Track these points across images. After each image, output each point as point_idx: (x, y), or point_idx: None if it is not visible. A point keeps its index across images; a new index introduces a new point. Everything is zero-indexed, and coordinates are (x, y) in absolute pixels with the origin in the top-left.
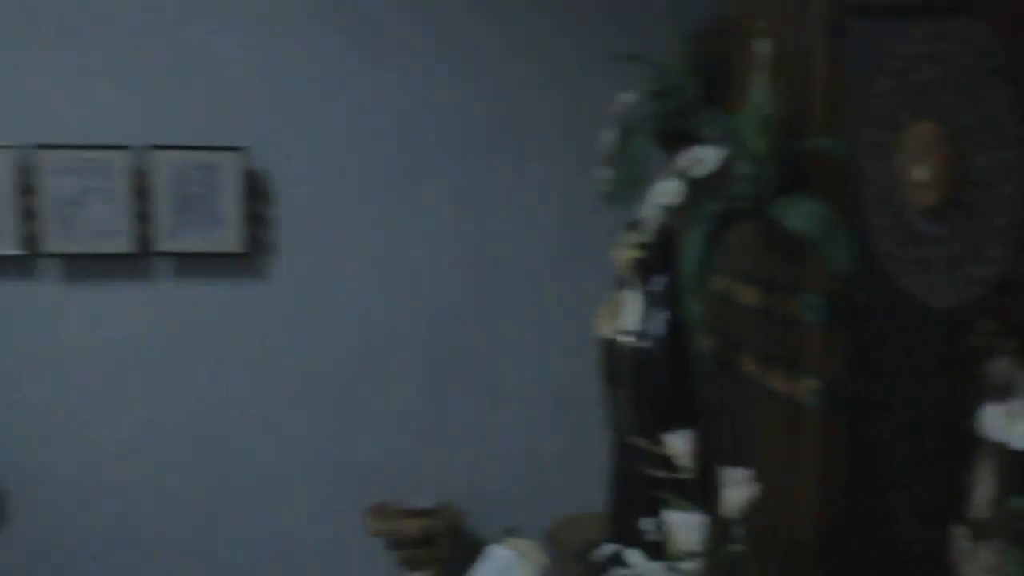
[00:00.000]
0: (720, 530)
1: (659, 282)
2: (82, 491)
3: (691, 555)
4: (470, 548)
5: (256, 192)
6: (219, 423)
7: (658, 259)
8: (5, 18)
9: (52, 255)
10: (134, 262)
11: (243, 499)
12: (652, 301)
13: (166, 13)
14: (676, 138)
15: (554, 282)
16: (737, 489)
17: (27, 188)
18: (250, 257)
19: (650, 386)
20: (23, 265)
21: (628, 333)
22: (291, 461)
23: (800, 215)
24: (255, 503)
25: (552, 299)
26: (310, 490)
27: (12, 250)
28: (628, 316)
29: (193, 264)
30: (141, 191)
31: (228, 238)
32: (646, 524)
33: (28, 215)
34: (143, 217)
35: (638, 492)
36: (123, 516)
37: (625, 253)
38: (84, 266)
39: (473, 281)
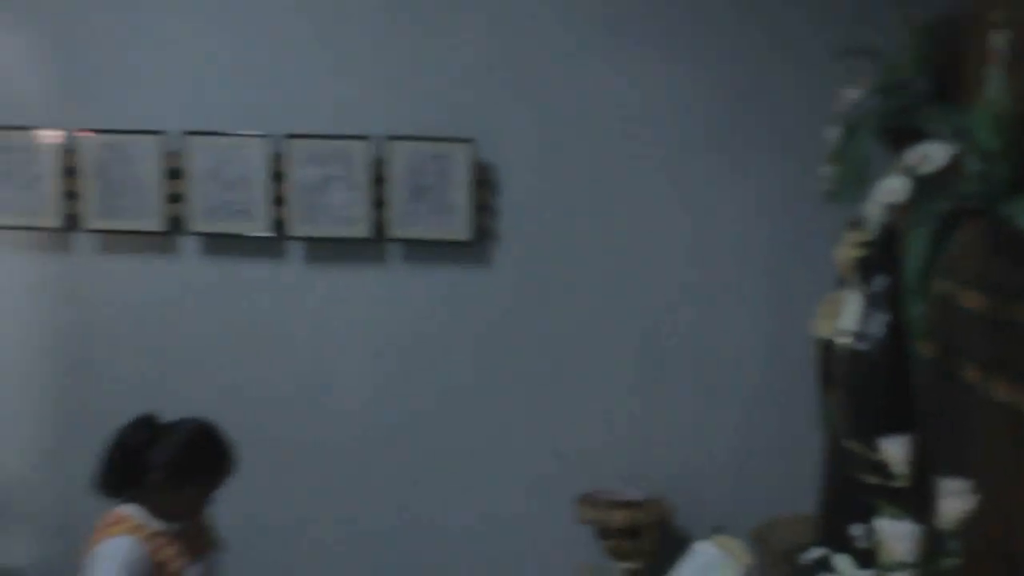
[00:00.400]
0: (934, 542)
1: (880, 282)
2: (315, 460)
3: (902, 566)
4: (676, 543)
5: (483, 182)
6: (440, 404)
7: (880, 259)
8: (264, 21)
9: (297, 238)
10: (369, 247)
11: (456, 480)
12: (872, 302)
13: (404, 12)
14: (902, 135)
15: (773, 280)
16: (954, 500)
17: (277, 175)
18: (476, 245)
19: (867, 389)
20: (273, 246)
21: (846, 334)
22: (507, 446)
23: None
24: (468, 485)
25: (770, 298)
26: (523, 476)
27: (265, 232)
28: (847, 317)
29: (422, 250)
30: (378, 179)
31: (456, 226)
32: (856, 530)
33: (278, 201)
34: (379, 204)
35: (850, 497)
36: (345, 486)
37: (846, 252)
38: (324, 249)
39: (690, 277)
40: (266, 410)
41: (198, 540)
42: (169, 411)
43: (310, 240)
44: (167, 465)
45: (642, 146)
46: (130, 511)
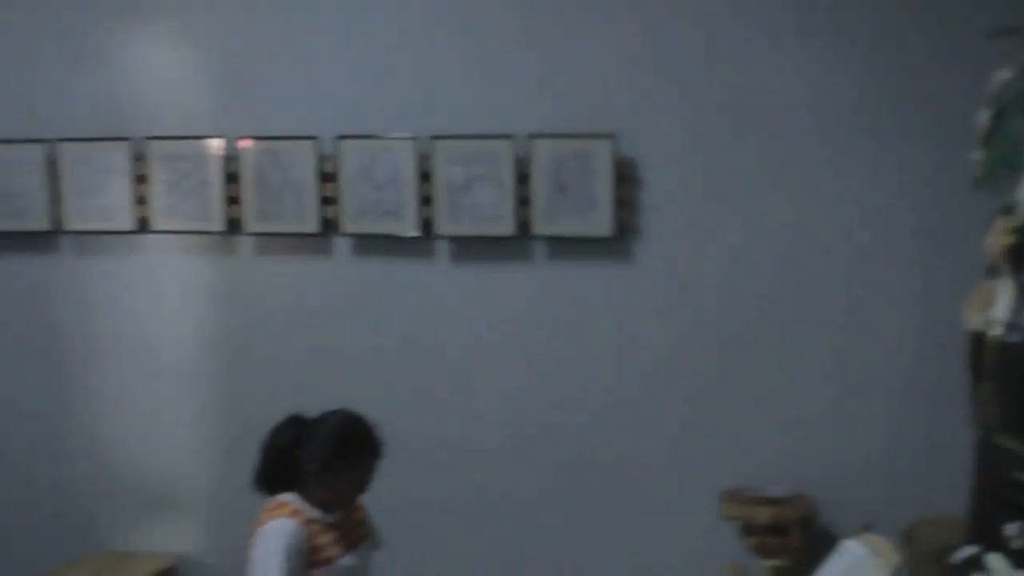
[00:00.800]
0: None
1: None
2: (459, 458)
3: None
4: (822, 541)
5: (625, 178)
6: (584, 401)
7: None
8: (409, 25)
9: (444, 237)
10: (514, 244)
11: (601, 475)
12: None
13: (544, 11)
14: None
15: (920, 270)
16: None
17: (424, 175)
18: (619, 241)
19: (1020, 383)
20: (421, 246)
21: (998, 325)
22: (650, 440)
23: None
24: (612, 482)
25: (918, 289)
26: (666, 471)
27: (413, 232)
28: (998, 307)
29: (566, 247)
30: (521, 177)
31: (599, 222)
32: (1010, 530)
33: (425, 201)
34: (523, 202)
35: (1003, 495)
36: (487, 484)
37: (997, 240)
38: (470, 247)
39: (837, 269)
40: (415, 406)
41: (353, 532)
42: (323, 405)
43: (456, 239)
44: (319, 457)
45: (786, 136)
46: (290, 498)
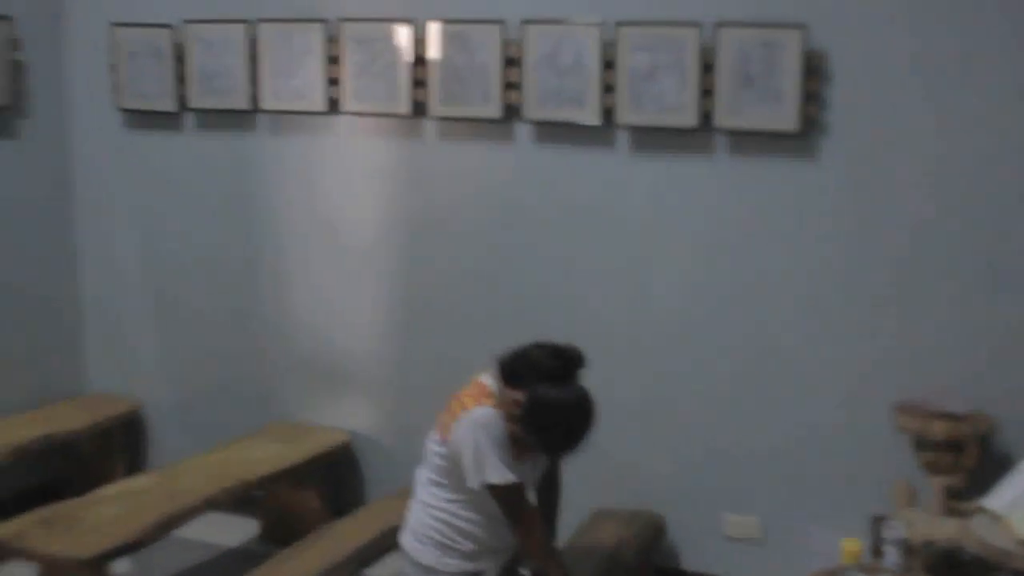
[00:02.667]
0: None
1: None
2: (630, 347)
3: None
4: (999, 462)
5: (813, 71)
6: (757, 301)
7: None
8: None
9: (624, 126)
10: (694, 137)
11: (768, 380)
12: None
13: None
14: None
15: None
16: None
17: (607, 63)
18: (803, 137)
19: None
20: (601, 134)
21: None
22: (824, 347)
23: None
24: (781, 385)
25: None
26: (839, 379)
27: (594, 120)
28: None
29: (748, 141)
30: (706, 67)
31: (784, 116)
32: None
33: (607, 89)
34: (706, 93)
35: None
36: (659, 377)
37: None
38: (650, 138)
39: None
40: (590, 295)
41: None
42: (499, 289)
43: (637, 129)
44: (532, 413)
45: (978, 36)
46: (492, 386)
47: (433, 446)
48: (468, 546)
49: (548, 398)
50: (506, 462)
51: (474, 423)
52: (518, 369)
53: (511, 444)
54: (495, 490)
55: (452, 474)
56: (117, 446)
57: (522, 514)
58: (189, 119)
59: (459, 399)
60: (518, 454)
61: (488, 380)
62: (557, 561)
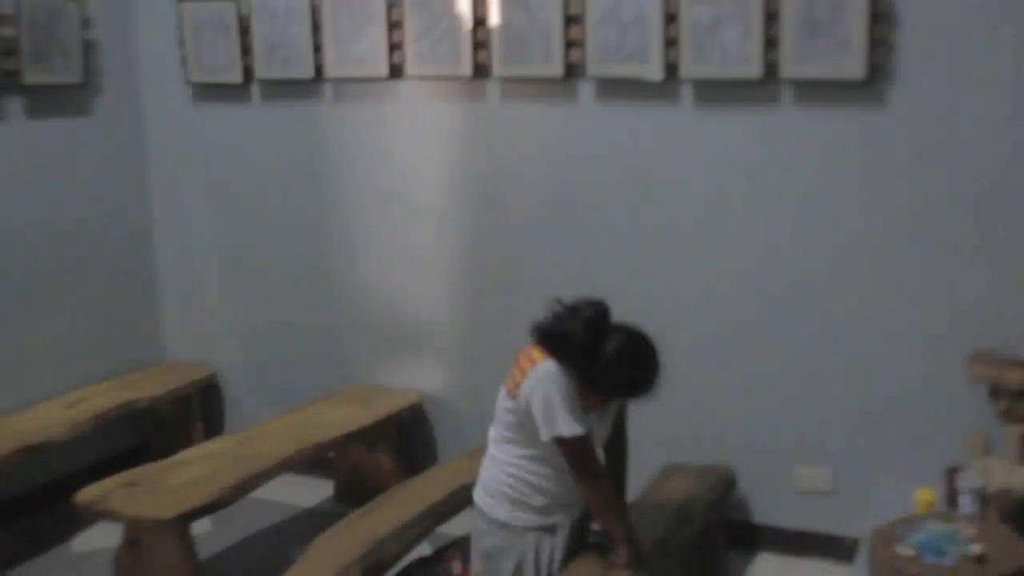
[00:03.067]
0: None
1: None
2: (697, 303)
3: None
4: None
5: (880, 16)
6: (828, 253)
7: None
8: None
9: (688, 80)
10: (759, 88)
11: (840, 332)
12: None
13: None
14: None
15: None
16: None
17: (670, 17)
18: (870, 85)
19: None
20: (665, 90)
21: None
22: (897, 297)
23: None
24: (853, 337)
25: None
26: (913, 328)
27: (656, 76)
28: None
29: (814, 91)
30: (770, 17)
31: (850, 65)
32: None
33: (670, 43)
34: (770, 43)
35: None
36: (727, 329)
37: None
38: (715, 91)
39: None
40: (657, 248)
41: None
42: (565, 250)
43: (701, 82)
44: (596, 376)
45: None
46: None
47: (503, 402)
48: (540, 501)
49: (613, 357)
50: (575, 414)
51: (544, 377)
52: (561, 350)
53: (580, 396)
54: (563, 443)
55: (523, 429)
56: (196, 412)
57: (588, 468)
58: (256, 90)
59: (528, 354)
60: (587, 407)
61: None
62: (621, 519)
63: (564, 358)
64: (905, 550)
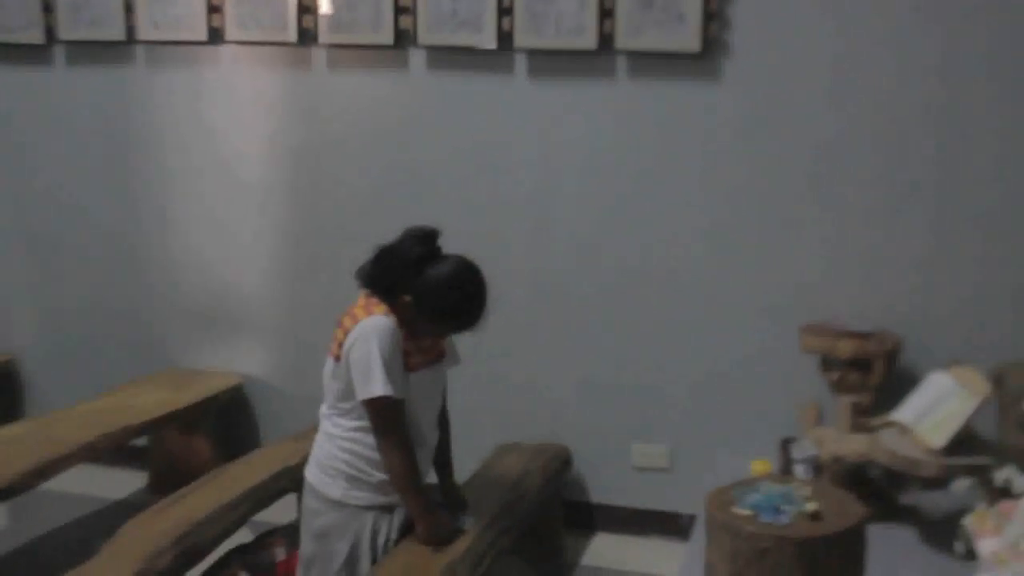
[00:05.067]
0: None
1: None
2: (534, 278)
3: None
4: (904, 378)
5: None
6: (663, 225)
7: None
8: None
9: (522, 50)
10: (594, 60)
11: (675, 307)
12: None
13: None
14: None
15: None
16: None
17: None
18: (705, 58)
19: None
20: (498, 60)
21: None
22: (730, 271)
23: None
24: (688, 311)
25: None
26: (748, 302)
27: (491, 44)
28: None
29: (649, 63)
30: None
31: (685, 37)
32: None
33: (505, 11)
34: (606, 14)
35: None
36: (565, 305)
37: None
38: (549, 62)
39: (936, 97)
40: (490, 223)
41: (434, 346)
42: (394, 227)
43: (535, 52)
44: (421, 293)
45: None
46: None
47: (329, 371)
48: (378, 477)
49: (438, 279)
50: (392, 375)
51: (366, 332)
52: (391, 274)
53: (407, 353)
54: (372, 403)
55: (352, 396)
56: None
57: (393, 433)
58: (59, 52)
59: (351, 314)
60: (415, 362)
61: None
62: (417, 493)
63: (392, 285)
64: (742, 510)
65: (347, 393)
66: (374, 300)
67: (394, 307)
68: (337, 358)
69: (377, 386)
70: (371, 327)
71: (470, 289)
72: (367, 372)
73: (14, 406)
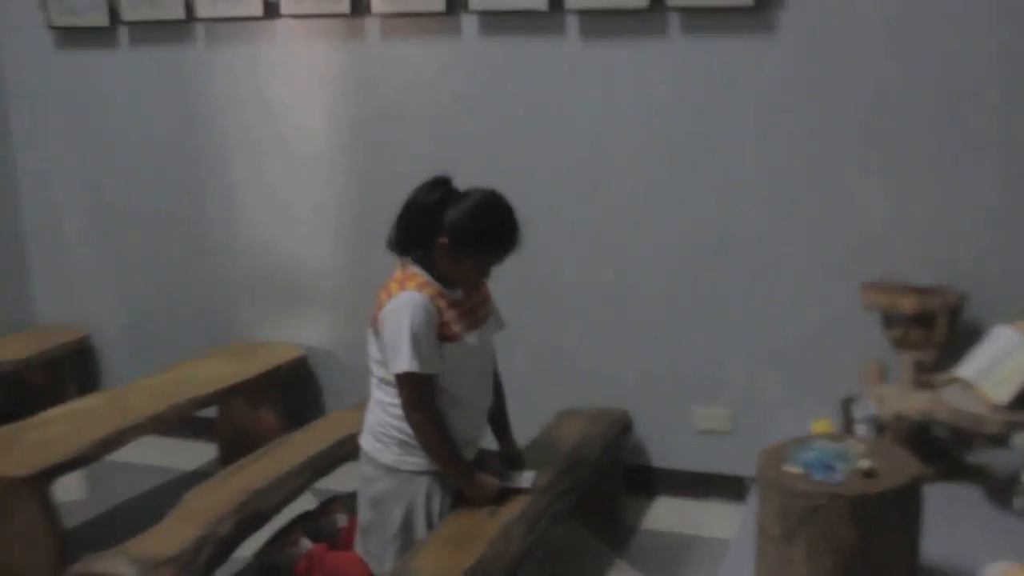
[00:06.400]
0: None
1: None
2: (591, 238)
3: None
4: (969, 334)
5: None
6: (721, 184)
7: None
8: None
9: (573, 11)
10: (646, 18)
11: (734, 266)
12: None
13: None
14: None
15: None
16: None
17: None
18: (758, 11)
19: None
20: (550, 21)
21: None
22: (789, 228)
23: None
24: (748, 270)
25: None
26: (807, 259)
27: (542, 6)
28: None
29: (702, 19)
30: None
31: None
32: None
33: None
34: None
35: None
36: (625, 264)
37: None
38: (601, 22)
39: (1000, 48)
40: (547, 187)
41: (477, 311)
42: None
43: (586, 12)
44: (454, 228)
45: None
46: (417, 270)
47: (370, 343)
48: None
49: (465, 210)
50: (422, 350)
51: (399, 307)
52: (417, 227)
53: (446, 324)
54: (399, 379)
55: None
56: (68, 376)
57: (418, 407)
58: (123, 33)
59: (386, 288)
60: (456, 331)
61: (415, 268)
62: (455, 462)
63: (422, 237)
64: (794, 468)
65: (386, 364)
66: (409, 273)
67: (432, 260)
68: (376, 332)
69: (403, 362)
70: (404, 302)
71: (500, 209)
72: (396, 347)
73: (92, 380)
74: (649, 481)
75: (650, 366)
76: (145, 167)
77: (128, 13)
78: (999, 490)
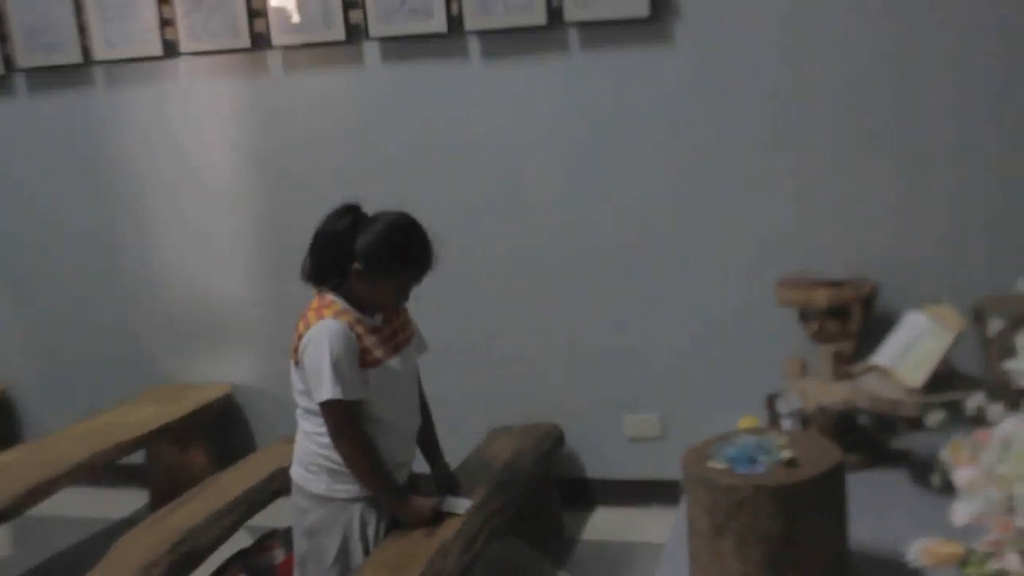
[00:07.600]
0: None
1: None
2: (509, 260)
3: None
4: (884, 323)
5: None
6: (629, 193)
7: None
8: None
9: (473, 32)
10: (546, 34)
11: (653, 269)
12: None
13: None
14: None
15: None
16: None
17: None
18: (655, 22)
19: None
20: (451, 44)
21: None
22: (702, 232)
23: None
24: (666, 274)
25: (977, 56)
26: (723, 261)
27: (441, 29)
28: None
29: (600, 33)
30: None
31: (633, 2)
32: None
33: None
34: None
35: None
36: (538, 278)
37: None
38: (501, 42)
39: (892, 43)
40: (461, 207)
41: (397, 335)
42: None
43: (486, 33)
44: (366, 252)
45: None
46: (334, 298)
47: (293, 374)
48: None
49: (376, 233)
50: (344, 377)
51: (317, 336)
52: (330, 255)
53: (366, 350)
54: (323, 406)
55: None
56: None
57: (344, 435)
58: (19, 81)
59: (304, 318)
60: (377, 356)
61: (332, 296)
62: (385, 486)
63: (336, 264)
64: (718, 464)
65: (309, 394)
66: (326, 301)
67: (348, 287)
68: (297, 362)
69: (326, 390)
70: (323, 330)
71: (410, 228)
72: (318, 376)
73: (12, 434)
74: (586, 492)
75: (577, 377)
76: (54, 214)
77: (24, 60)
78: (921, 471)
